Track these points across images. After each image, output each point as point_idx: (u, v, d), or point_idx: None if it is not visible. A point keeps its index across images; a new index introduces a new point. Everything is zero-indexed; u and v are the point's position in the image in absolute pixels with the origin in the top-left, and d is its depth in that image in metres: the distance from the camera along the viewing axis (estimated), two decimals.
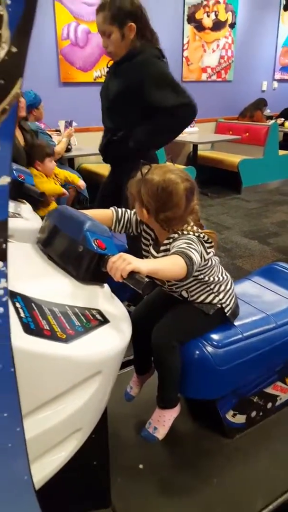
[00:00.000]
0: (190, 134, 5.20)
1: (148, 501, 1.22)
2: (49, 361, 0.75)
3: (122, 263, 0.91)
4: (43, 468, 0.78)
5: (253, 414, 1.46)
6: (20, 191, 1.67)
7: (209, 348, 1.25)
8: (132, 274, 0.90)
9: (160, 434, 1.26)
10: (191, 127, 5.30)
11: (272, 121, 5.72)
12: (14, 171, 1.71)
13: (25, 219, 1.50)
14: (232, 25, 5.66)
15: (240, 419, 1.43)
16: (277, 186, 5.57)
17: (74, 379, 0.79)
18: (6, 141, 0.60)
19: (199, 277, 1.23)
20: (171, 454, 1.38)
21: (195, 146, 5.12)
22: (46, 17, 4.12)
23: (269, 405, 1.49)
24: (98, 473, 1.16)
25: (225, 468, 1.34)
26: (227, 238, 3.85)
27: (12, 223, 1.55)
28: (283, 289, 1.57)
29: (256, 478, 1.30)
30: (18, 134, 2.82)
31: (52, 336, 0.77)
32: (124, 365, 1.66)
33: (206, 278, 1.24)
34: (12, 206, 1.63)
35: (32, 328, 0.76)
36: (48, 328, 0.78)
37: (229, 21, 5.61)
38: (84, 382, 0.81)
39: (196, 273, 1.20)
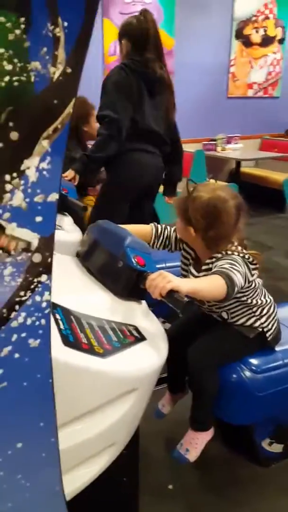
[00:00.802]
0: (234, 150, 5.16)
1: None
2: (86, 375, 0.75)
3: (161, 281, 0.90)
4: (75, 480, 0.79)
5: None
6: (63, 204, 1.72)
7: (247, 373, 1.21)
8: (171, 293, 0.89)
9: (192, 456, 1.23)
10: (234, 143, 5.26)
11: None
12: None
13: (66, 231, 1.54)
14: (281, 41, 5.60)
15: (277, 448, 1.37)
16: None
17: (110, 394, 0.80)
18: (57, 158, 0.61)
19: (242, 299, 1.20)
20: (202, 478, 1.35)
21: (238, 163, 5.06)
22: (94, 33, 4.23)
23: None
24: (128, 489, 1.15)
25: (258, 498, 1.28)
26: (269, 259, 3.74)
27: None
28: None
29: None
30: None
31: (90, 349, 0.77)
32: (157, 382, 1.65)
33: (249, 301, 1.21)
34: None
35: (71, 341, 0.77)
36: (86, 342, 0.79)
37: (278, 37, 5.56)
38: (119, 398, 0.81)
39: (239, 295, 1.17)
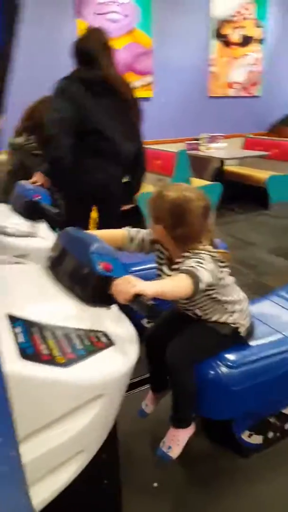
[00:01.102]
0: (218, 149, 5.21)
1: None
2: (45, 386, 0.76)
3: (126, 286, 0.91)
4: (44, 491, 0.79)
5: (270, 435, 1.43)
6: (37, 210, 1.72)
7: (223, 369, 1.24)
8: (136, 297, 0.90)
9: (174, 453, 1.25)
10: (218, 142, 5.31)
11: None
12: (30, 191, 1.79)
13: (41, 238, 1.55)
14: (261, 41, 5.67)
15: (257, 439, 1.40)
16: None
17: (73, 403, 0.80)
18: None
19: (213, 296, 1.23)
20: (187, 473, 1.38)
21: (222, 162, 5.11)
22: (67, 34, 4.02)
23: (287, 426, 1.46)
24: (110, 492, 1.16)
25: (240, 488, 1.31)
26: (253, 255, 3.79)
27: (28, 242, 1.61)
28: None
29: (272, 498, 1.27)
30: None
31: (50, 360, 0.78)
32: (141, 383, 1.68)
33: (219, 297, 1.24)
34: (28, 225, 1.69)
35: (28, 353, 0.77)
36: (46, 353, 0.79)
37: (258, 37, 5.62)
38: (84, 405, 0.81)
39: (210, 292, 1.21)
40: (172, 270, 1.22)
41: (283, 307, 1.58)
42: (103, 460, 1.03)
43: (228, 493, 1.30)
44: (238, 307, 1.29)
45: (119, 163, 2.10)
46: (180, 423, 1.26)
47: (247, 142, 5.84)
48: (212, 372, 1.24)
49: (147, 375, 1.48)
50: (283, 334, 1.39)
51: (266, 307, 1.58)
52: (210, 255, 1.15)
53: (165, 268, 1.27)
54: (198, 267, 1.08)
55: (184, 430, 1.26)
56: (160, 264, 1.31)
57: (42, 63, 4.01)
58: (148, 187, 4.43)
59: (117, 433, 1.09)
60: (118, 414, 0.99)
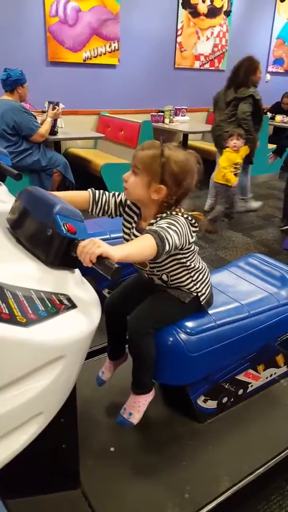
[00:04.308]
0: (182, 123, 5.16)
1: (117, 483, 1.24)
2: (5, 345, 0.73)
3: (91, 247, 0.89)
4: (1, 452, 0.77)
5: (224, 400, 1.49)
6: None
7: (182, 335, 1.26)
8: (102, 259, 0.88)
9: (135, 419, 1.28)
10: (182, 115, 5.27)
11: (264, 115, 5.69)
12: None
13: (1, 202, 1.47)
14: (228, 13, 5.59)
15: (211, 404, 1.45)
16: (265, 180, 5.59)
17: (34, 363, 0.78)
18: None
19: (182, 260, 1.23)
20: (143, 438, 1.41)
21: (185, 136, 5.09)
22: None
23: (241, 391, 1.52)
24: (68, 455, 1.17)
25: (194, 451, 1.37)
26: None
27: None
28: (258, 280, 1.59)
29: (224, 460, 1.34)
30: None
31: (10, 320, 0.75)
32: (99, 351, 1.68)
33: (188, 263, 1.25)
34: None
35: None
36: (7, 312, 0.76)
37: (225, 8, 5.54)
38: (44, 366, 0.80)
39: (179, 256, 1.21)
40: (141, 231, 1.20)
41: (240, 276, 1.62)
42: (61, 424, 1.04)
43: (183, 456, 1.34)
44: (201, 276, 1.30)
45: None
46: (141, 389, 1.28)
47: (210, 117, 5.83)
48: (171, 339, 1.26)
49: (105, 344, 1.48)
50: (240, 303, 1.43)
51: (224, 277, 1.61)
52: (185, 217, 1.15)
53: (135, 231, 1.25)
54: (168, 229, 1.07)
55: (145, 395, 1.28)
56: (129, 228, 1.28)
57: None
58: (111, 158, 4.36)
59: (76, 399, 1.09)
60: (77, 382, 0.98)
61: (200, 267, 1.30)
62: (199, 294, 1.30)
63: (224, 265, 1.90)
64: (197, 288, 1.30)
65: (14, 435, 0.79)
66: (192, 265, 1.26)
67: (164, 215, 1.16)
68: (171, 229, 1.08)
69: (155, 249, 1.02)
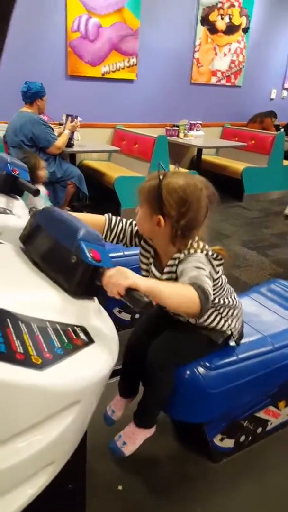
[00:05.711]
0: (196, 137, 5.12)
1: None
2: (19, 391, 0.66)
3: (119, 278, 0.82)
4: (8, 505, 0.69)
5: (242, 438, 1.39)
6: (14, 186, 1.58)
7: (201, 370, 1.18)
8: (130, 291, 0.81)
9: (128, 450, 1.19)
10: (196, 130, 5.23)
11: (280, 131, 5.64)
12: (8, 165, 1.63)
13: (16, 216, 1.41)
14: (246, 30, 5.58)
15: (228, 443, 1.36)
16: (279, 197, 5.50)
17: (48, 410, 0.70)
18: None
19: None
20: (153, 477, 1.31)
21: (199, 150, 5.04)
22: (57, 8, 4.03)
23: (259, 430, 1.42)
24: (73, 497, 1.08)
25: (208, 494, 1.27)
26: (226, 247, 3.74)
27: (2, 219, 1.47)
28: (283, 309, 1.50)
29: (240, 505, 1.23)
30: None
31: (25, 361, 0.67)
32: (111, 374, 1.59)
33: (216, 300, 1.15)
34: (3, 201, 1.55)
35: (2, 352, 0.67)
36: (21, 351, 0.68)
37: (243, 26, 5.53)
38: (59, 412, 0.72)
39: None
40: (164, 273, 1.11)
41: (262, 304, 1.53)
42: (69, 462, 0.95)
43: (196, 499, 1.25)
44: (232, 312, 1.21)
45: None
46: (144, 423, 1.20)
47: (225, 132, 5.81)
48: (189, 373, 1.18)
49: (118, 367, 1.38)
50: (263, 334, 1.34)
51: (246, 304, 1.52)
52: (205, 254, 1.05)
53: (153, 269, 1.16)
54: (202, 276, 0.96)
55: (145, 430, 1.20)
56: (146, 263, 1.20)
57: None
58: (125, 171, 4.32)
59: (86, 437, 1.00)
60: None
61: (230, 301, 1.19)
62: (232, 330, 1.21)
63: (238, 285, 1.81)
64: (229, 325, 1.20)
65: (20, 488, 0.71)
66: (222, 302, 1.16)
67: (181, 256, 1.06)
68: (203, 274, 0.97)
69: (198, 305, 0.90)
